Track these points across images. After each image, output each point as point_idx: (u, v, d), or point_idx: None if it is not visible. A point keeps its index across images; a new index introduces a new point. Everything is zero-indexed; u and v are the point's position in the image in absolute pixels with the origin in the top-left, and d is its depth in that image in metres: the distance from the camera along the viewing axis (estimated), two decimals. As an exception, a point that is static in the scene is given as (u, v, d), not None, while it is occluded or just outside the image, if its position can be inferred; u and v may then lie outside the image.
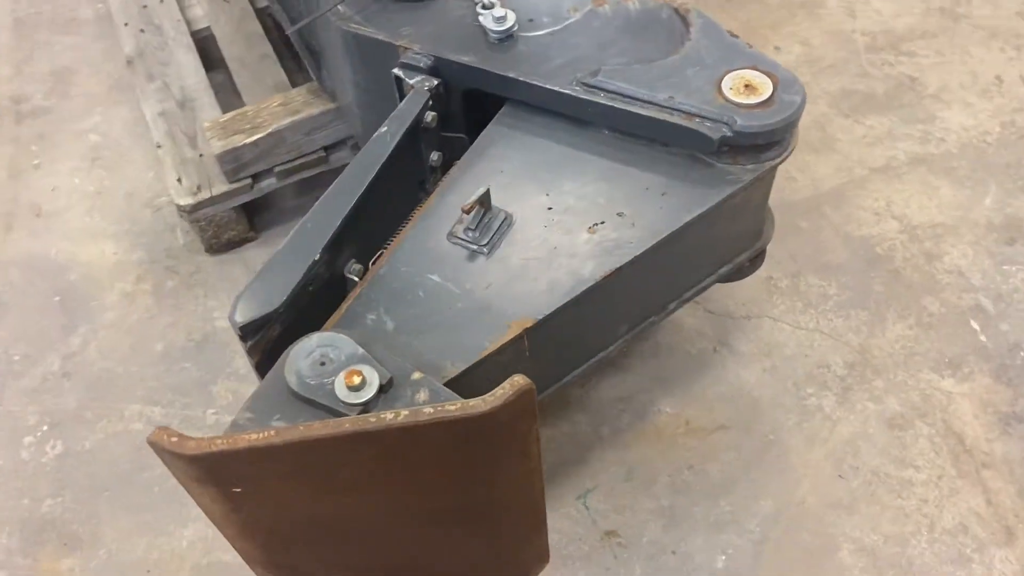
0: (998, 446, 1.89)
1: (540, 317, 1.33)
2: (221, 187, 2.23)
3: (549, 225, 1.43)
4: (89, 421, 2.08)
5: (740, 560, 1.77)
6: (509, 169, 1.52)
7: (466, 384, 1.28)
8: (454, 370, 1.27)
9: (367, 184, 1.41)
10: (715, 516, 1.83)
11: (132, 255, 2.39)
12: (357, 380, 1.14)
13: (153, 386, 2.12)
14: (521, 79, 1.56)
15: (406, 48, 1.63)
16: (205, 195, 2.22)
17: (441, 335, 1.31)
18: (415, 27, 1.67)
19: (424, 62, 1.60)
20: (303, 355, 1.19)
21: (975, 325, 2.09)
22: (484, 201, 1.40)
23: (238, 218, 2.33)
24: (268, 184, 2.29)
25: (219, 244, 2.36)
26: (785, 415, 1.97)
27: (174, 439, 1.00)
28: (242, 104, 2.46)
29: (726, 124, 1.44)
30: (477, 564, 1.36)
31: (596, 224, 1.43)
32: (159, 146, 2.35)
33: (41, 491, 1.97)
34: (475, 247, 1.40)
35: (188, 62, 2.54)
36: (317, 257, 1.32)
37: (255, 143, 2.17)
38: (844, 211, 2.33)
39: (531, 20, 1.65)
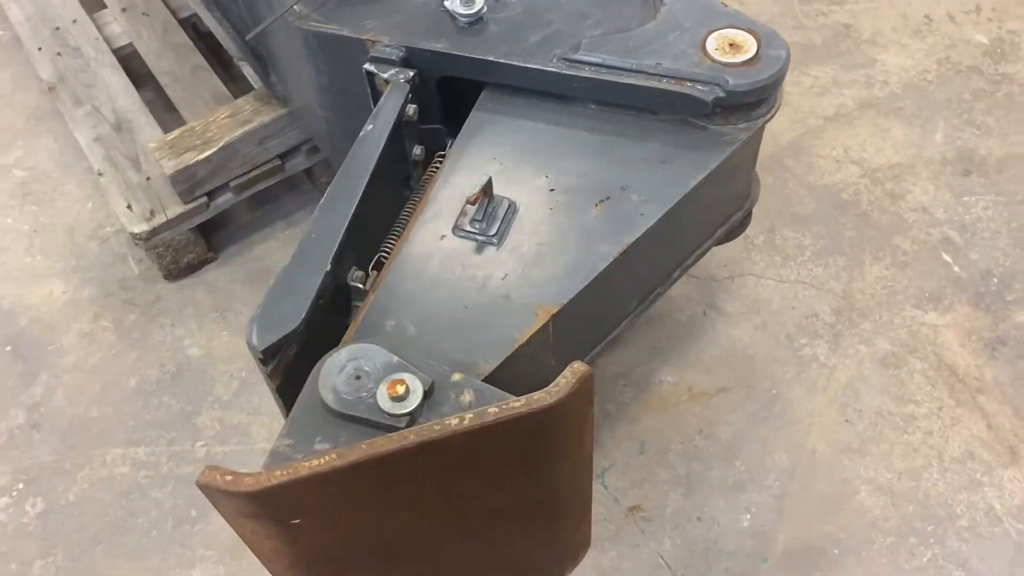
0: (988, 371, 1.96)
1: (565, 301, 1.30)
2: (176, 209, 2.12)
3: (555, 207, 1.41)
4: (68, 472, 1.96)
5: (764, 516, 1.79)
6: (502, 155, 1.48)
7: (496, 379, 1.24)
8: (488, 367, 1.24)
9: (364, 187, 1.35)
10: (732, 477, 1.85)
11: (84, 292, 2.26)
12: (401, 389, 1.09)
13: (132, 425, 2.02)
14: (500, 61, 1.52)
15: (374, 41, 1.57)
16: (160, 219, 2.11)
17: (467, 332, 1.27)
18: (378, 19, 1.61)
19: (396, 54, 1.55)
20: (335, 371, 1.14)
21: (947, 258, 2.16)
22: (487, 190, 1.36)
23: (196, 240, 2.23)
24: (225, 200, 2.19)
25: (178, 269, 2.25)
26: (782, 369, 2.00)
27: (228, 477, 0.95)
28: (180, 120, 2.36)
29: (717, 85, 1.43)
30: (528, 559, 1.34)
31: (602, 200, 1.41)
32: (100, 174, 2.22)
33: (28, 553, 1.85)
34: (484, 238, 1.37)
35: (116, 82, 2.41)
36: (328, 268, 1.26)
37: (208, 159, 2.07)
38: (805, 162, 2.37)
39: (497, 0, 1.60)
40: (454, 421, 0.97)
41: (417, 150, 1.58)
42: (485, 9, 1.58)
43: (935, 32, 2.67)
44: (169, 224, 2.13)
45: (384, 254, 1.41)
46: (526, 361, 1.30)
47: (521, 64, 1.51)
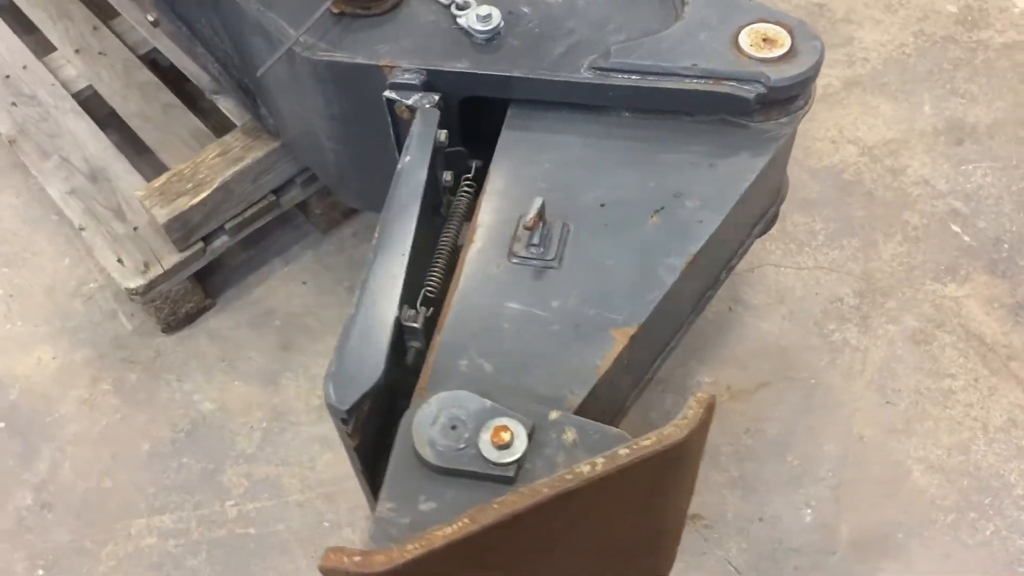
0: (1015, 337, 1.99)
1: (642, 320, 1.26)
2: (172, 258, 2.02)
3: (609, 223, 1.36)
4: (91, 551, 1.84)
5: (824, 509, 1.78)
6: (542, 174, 1.43)
7: (582, 409, 1.20)
8: (576, 398, 1.19)
9: (416, 222, 1.29)
10: (787, 472, 1.83)
11: (76, 355, 2.14)
12: (507, 436, 1.04)
13: (153, 493, 1.91)
14: (527, 76, 1.47)
15: (391, 67, 1.51)
16: (156, 271, 2.00)
17: (547, 364, 1.22)
18: (390, 44, 1.54)
19: (417, 79, 1.49)
20: (428, 423, 1.08)
21: (956, 228, 2.18)
22: (542, 212, 1.31)
23: (193, 288, 2.12)
24: (220, 244, 2.09)
25: (177, 320, 2.14)
26: (817, 356, 1.99)
27: (356, 558, 0.88)
28: (156, 162, 2.25)
29: (758, 82, 1.41)
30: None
31: (657, 211, 1.37)
32: (82, 228, 2.10)
33: (61, 645, 1.73)
34: (543, 263, 1.32)
35: (81, 128, 2.28)
36: (398, 314, 1.19)
37: (203, 202, 1.97)
38: (802, 146, 2.37)
39: (511, 12, 1.55)
40: (586, 468, 0.92)
41: (447, 175, 1.52)
42: (502, 24, 1.52)
43: (906, 5, 2.71)
44: (166, 275, 2.02)
45: (430, 288, 1.35)
46: (605, 386, 1.26)
47: (550, 77, 1.47)
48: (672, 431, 0.94)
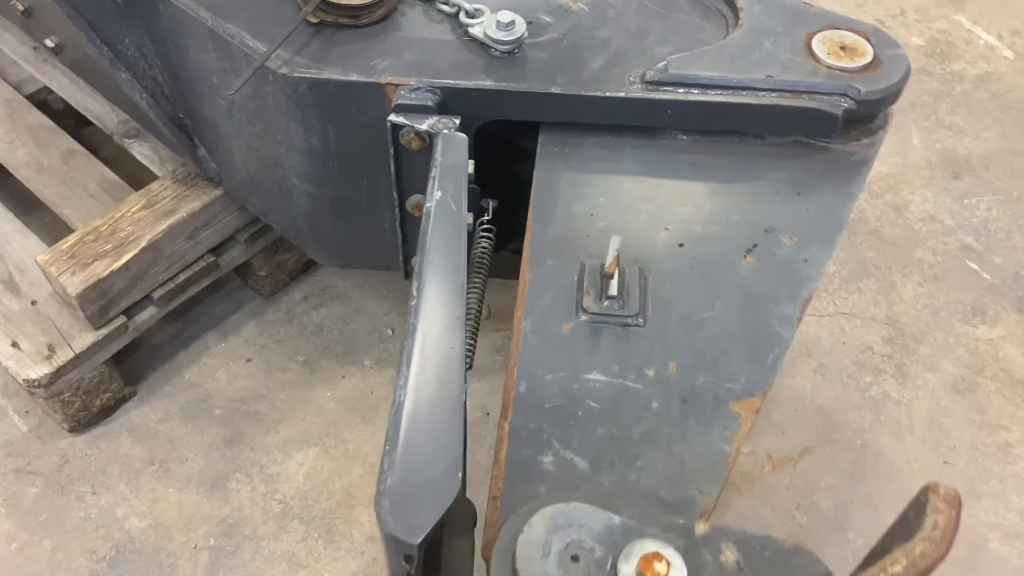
0: (1061, 380, 1.85)
1: (767, 387, 1.00)
2: (85, 338, 1.63)
3: (694, 266, 1.11)
4: None
5: (901, 594, 1.55)
6: (598, 210, 1.17)
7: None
8: (708, 499, 0.92)
9: (464, 279, 1.00)
10: (850, 551, 1.60)
11: (-48, 469, 1.69)
12: (662, 568, 0.75)
13: (69, 646, 1.48)
14: (567, 94, 1.22)
15: (396, 85, 1.22)
16: (65, 356, 1.60)
17: (658, 455, 0.94)
18: (389, 58, 1.26)
19: (430, 99, 1.21)
20: (538, 554, 0.77)
21: (973, 265, 2.06)
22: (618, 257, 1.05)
23: (111, 374, 1.72)
24: (148, 317, 1.72)
25: (90, 416, 1.74)
26: (859, 414, 1.79)
27: None
28: (54, 220, 1.86)
29: (845, 96, 1.20)
30: None
31: (749, 250, 1.13)
32: (-41, 306, 1.67)
33: None
34: (624, 319, 1.04)
35: (-46, 183, 1.87)
36: (465, 398, 0.89)
37: (125, 267, 1.60)
38: (797, 183, 2.21)
39: (530, 23, 1.30)
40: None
41: (468, 218, 1.23)
42: (526, 34, 1.27)
43: (872, 37, 2.64)
44: (78, 360, 1.62)
45: (470, 357, 1.06)
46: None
47: (595, 94, 1.22)
48: (926, 549, 0.67)
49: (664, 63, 1.23)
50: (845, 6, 2.70)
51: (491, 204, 1.34)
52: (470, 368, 1.06)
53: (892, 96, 1.23)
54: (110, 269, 1.58)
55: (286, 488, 1.68)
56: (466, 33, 1.29)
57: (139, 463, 1.71)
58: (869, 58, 1.24)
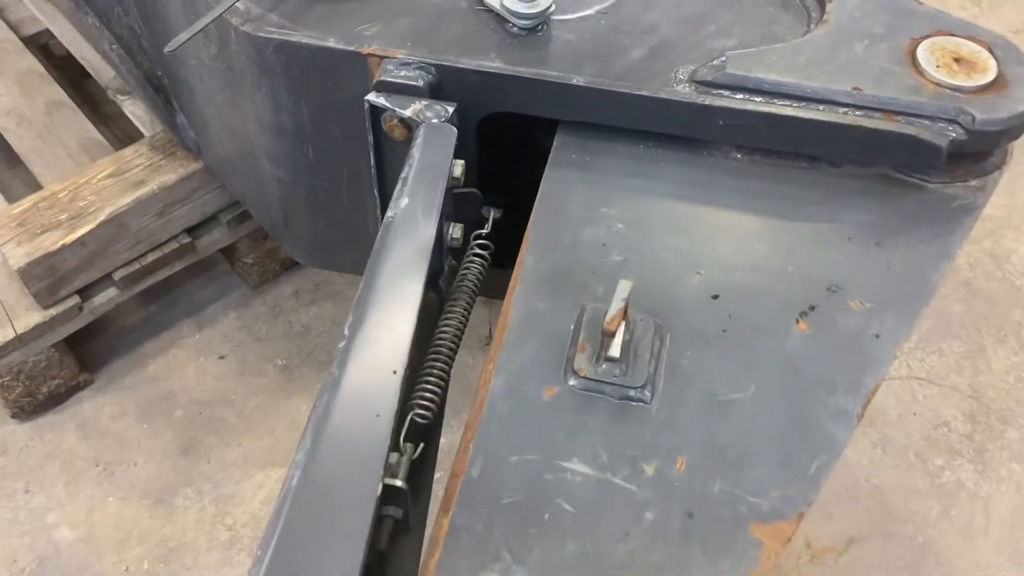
0: None
1: (805, 508, 0.75)
2: (32, 317, 1.45)
3: (729, 327, 0.86)
4: None
5: None
6: (613, 240, 0.93)
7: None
8: (702, 664, 0.67)
9: (418, 308, 0.77)
10: (895, 678, 1.33)
11: None
12: None
13: (-36, 672, 1.31)
14: (594, 87, 0.98)
15: (381, 57, 1.00)
16: (6, 335, 1.44)
17: (644, 587, 0.70)
18: (379, 24, 1.04)
19: (421, 78, 0.99)
20: None
21: (1083, 336, 1.75)
22: (627, 307, 0.81)
23: (62, 359, 1.55)
24: (106, 299, 1.54)
25: (35, 404, 1.56)
26: (924, 504, 1.52)
27: None
28: (30, 180, 1.69)
29: (954, 122, 0.94)
30: None
31: (805, 312, 0.88)
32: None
33: None
34: (625, 390, 0.80)
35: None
36: (383, 472, 0.67)
37: (80, 241, 1.42)
38: (878, 216, 1.93)
39: (558, -4, 1.06)
40: None
41: (455, 231, 1.00)
42: (554, 8, 1.03)
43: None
44: (20, 341, 1.45)
45: (422, 411, 0.83)
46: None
47: (630, 91, 0.98)
48: None
49: (722, 59, 0.98)
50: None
51: (492, 214, 1.11)
52: (430, 423, 0.84)
53: (1017, 128, 0.96)
54: (61, 243, 1.40)
55: (239, 512, 1.48)
56: (480, 1, 1.06)
57: (82, 463, 1.53)
58: (991, 76, 0.96)
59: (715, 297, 0.89)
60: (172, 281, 1.69)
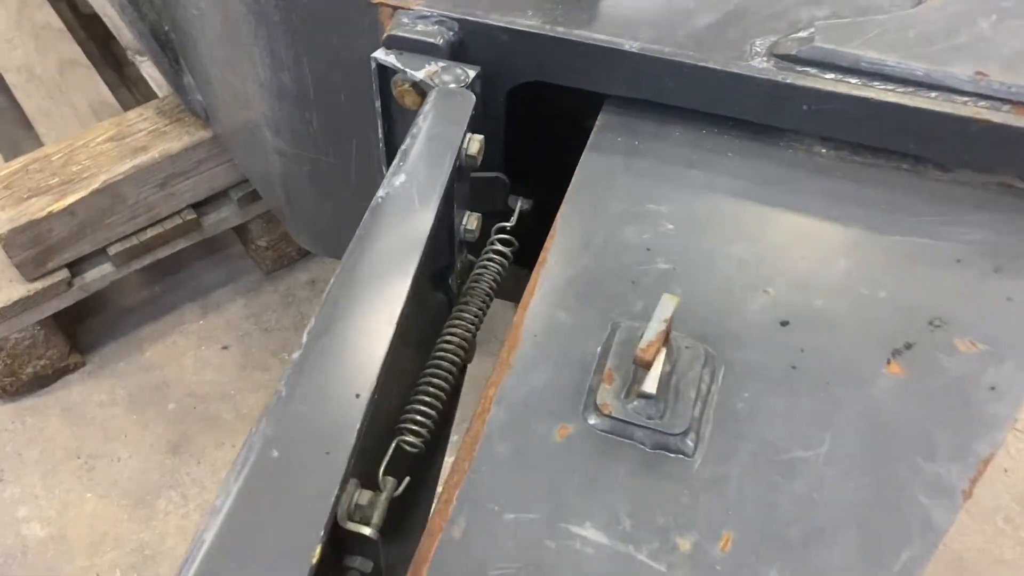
0: None
1: (888, 618, 0.57)
2: (15, 290, 1.35)
3: (801, 364, 0.69)
4: None
5: None
6: (660, 243, 0.76)
7: None
8: None
9: (400, 313, 0.61)
10: None
11: None
12: None
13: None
14: (650, 55, 0.81)
15: (395, 8, 0.84)
16: (-15, 307, 1.32)
17: None
18: (399, -32, 0.88)
19: (440, 35, 0.83)
20: None
21: None
22: (669, 331, 0.64)
23: (49, 337, 1.44)
24: (99, 276, 1.42)
25: (19, 384, 1.45)
26: (1010, 574, 1.31)
27: None
28: (37, 141, 1.57)
29: (1106, 120, 0.75)
30: None
31: (899, 351, 0.69)
32: None
33: None
34: (664, 439, 0.63)
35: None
36: (334, 500, 0.52)
37: (69, 210, 1.30)
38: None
39: (616, -52, 0.89)
40: None
41: (470, 221, 0.84)
42: (608, -41, 0.86)
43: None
44: (2, 315, 1.33)
45: (411, 441, 0.68)
46: None
47: (695, 63, 0.80)
48: None
49: (810, 30, 0.81)
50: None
51: (520, 204, 0.95)
52: (421, 452, 0.69)
53: None
54: (48, 210, 1.28)
55: (225, 523, 1.35)
56: (518, -51, 0.90)
57: (62, 453, 1.42)
58: None
59: (784, 324, 0.71)
60: (179, 260, 1.57)
